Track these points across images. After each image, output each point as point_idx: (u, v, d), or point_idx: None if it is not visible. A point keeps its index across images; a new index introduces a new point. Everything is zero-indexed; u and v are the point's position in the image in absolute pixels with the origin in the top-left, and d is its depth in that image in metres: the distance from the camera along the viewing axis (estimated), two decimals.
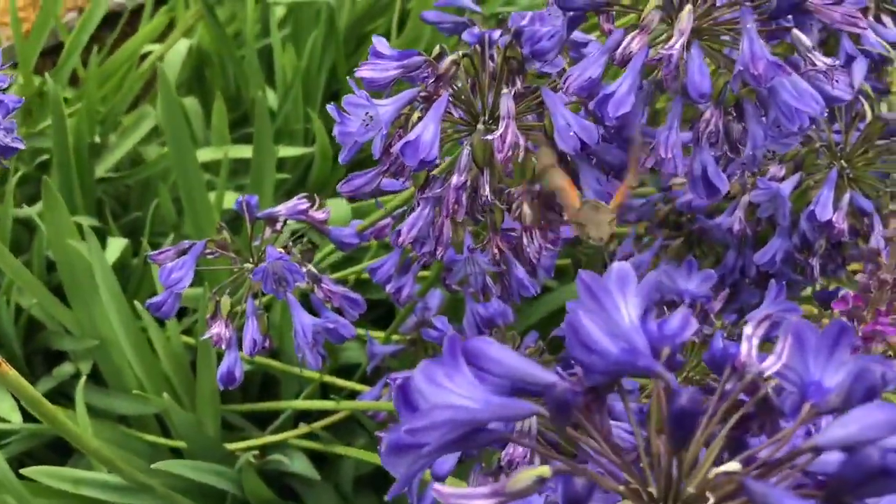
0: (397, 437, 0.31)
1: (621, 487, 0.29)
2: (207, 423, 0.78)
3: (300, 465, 0.74)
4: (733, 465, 0.29)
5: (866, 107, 0.68)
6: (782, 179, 0.65)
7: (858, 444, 0.27)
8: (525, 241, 0.51)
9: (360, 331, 0.87)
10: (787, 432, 0.30)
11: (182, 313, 0.92)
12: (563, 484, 0.26)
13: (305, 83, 1.02)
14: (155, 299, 0.59)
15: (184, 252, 0.58)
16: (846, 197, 0.63)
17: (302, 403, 0.78)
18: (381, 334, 0.83)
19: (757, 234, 0.69)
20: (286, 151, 0.98)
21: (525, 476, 0.28)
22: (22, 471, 0.68)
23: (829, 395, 0.31)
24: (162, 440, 0.81)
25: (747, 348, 0.33)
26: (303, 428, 0.78)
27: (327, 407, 0.76)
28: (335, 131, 0.50)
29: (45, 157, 0.95)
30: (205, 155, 0.97)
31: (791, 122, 0.46)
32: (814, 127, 0.67)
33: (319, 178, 1.00)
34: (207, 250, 0.60)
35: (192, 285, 0.87)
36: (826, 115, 0.68)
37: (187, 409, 0.80)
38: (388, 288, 0.67)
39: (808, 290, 0.75)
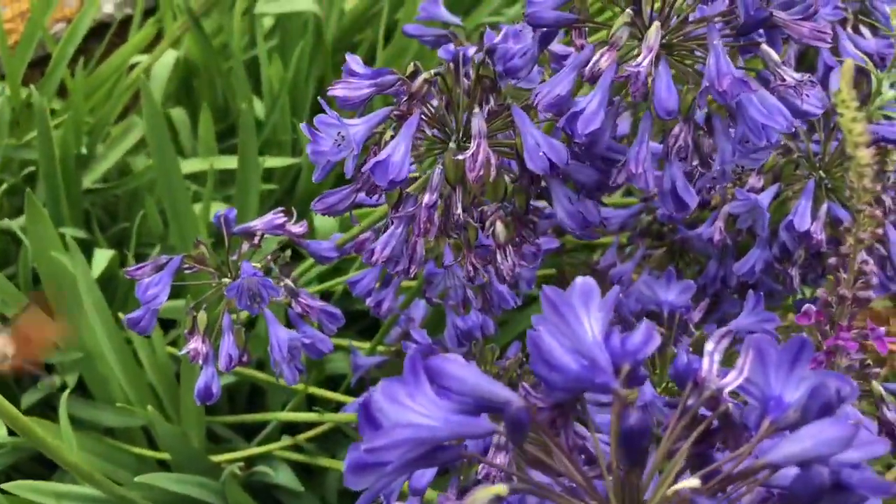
0: (359, 456, 0.31)
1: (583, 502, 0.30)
2: (192, 435, 0.78)
3: (285, 478, 0.75)
4: (693, 482, 0.29)
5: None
6: (761, 190, 0.65)
7: (811, 461, 0.27)
8: (499, 258, 0.51)
9: (345, 342, 0.87)
10: (746, 448, 0.30)
11: (168, 325, 0.93)
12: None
13: (293, 94, 1.02)
14: (133, 315, 0.59)
15: (160, 268, 0.58)
16: (824, 207, 0.63)
17: (286, 415, 0.78)
18: (366, 345, 0.83)
19: (737, 245, 0.70)
20: (273, 162, 0.98)
21: (482, 494, 0.28)
22: (3, 486, 0.68)
23: (788, 410, 0.31)
24: (148, 452, 0.81)
25: (708, 364, 0.33)
26: (287, 440, 0.79)
27: (312, 419, 0.76)
28: (307, 150, 0.50)
29: (32, 168, 0.95)
30: (191, 166, 0.97)
31: (758, 138, 0.47)
32: (792, 138, 0.68)
33: (307, 189, 1.00)
34: (185, 266, 0.60)
35: (177, 297, 0.88)
36: (805, 125, 0.68)
37: (173, 421, 0.81)
38: (369, 301, 0.67)
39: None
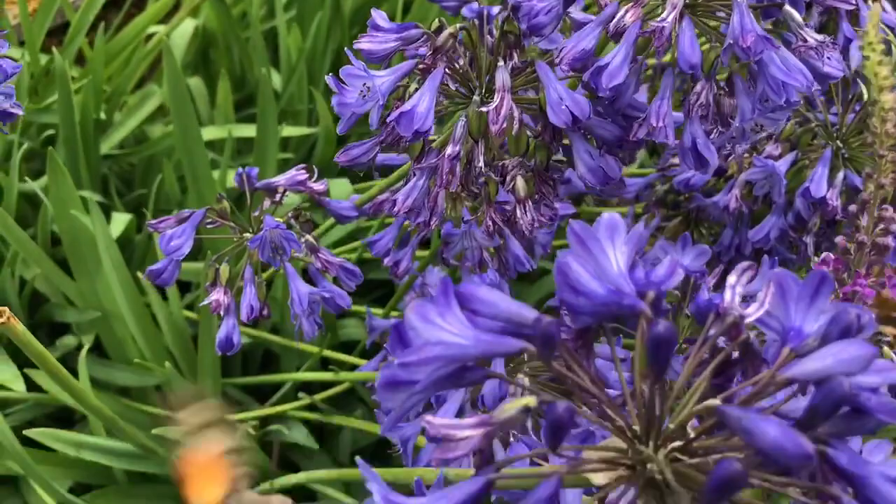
0: (392, 372, 0.32)
1: (606, 423, 0.31)
2: (208, 395, 0.79)
3: (299, 436, 0.76)
4: (714, 402, 0.30)
5: (864, 89, 0.69)
6: (778, 158, 0.65)
7: (832, 377, 0.28)
8: (518, 213, 0.52)
9: (361, 308, 0.88)
10: (767, 374, 0.31)
11: (185, 288, 0.94)
12: (548, 410, 0.27)
13: (310, 64, 1.03)
14: (155, 266, 0.60)
15: (184, 220, 0.59)
16: (840, 175, 0.64)
17: (301, 375, 0.79)
18: (380, 311, 0.84)
19: (753, 213, 0.70)
20: (290, 131, 0.99)
21: (511, 406, 0.29)
22: (25, 432, 0.69)
23: (808, 339, 0.32)
24: (163, 412, 0.82)
25: (730, 295, 0.34)
26: (302, 400, 0.80)
27: (326, 378, 0.77)
28: (333, 102, 0.51)
29: (51, 131, 0.96)
30: (209, 133, 0.98)
31: (778, 96, 0.47)
32: (810, 109, 0.68)
33: (323, 158, 1.01)
34: (207, 219, 0.61)
35: (194, 258, 0.89)
36: (823, 96, 0.69)
37: (189, 381, 0.82)
38: (387, 261, 0.68)
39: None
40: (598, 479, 0.31)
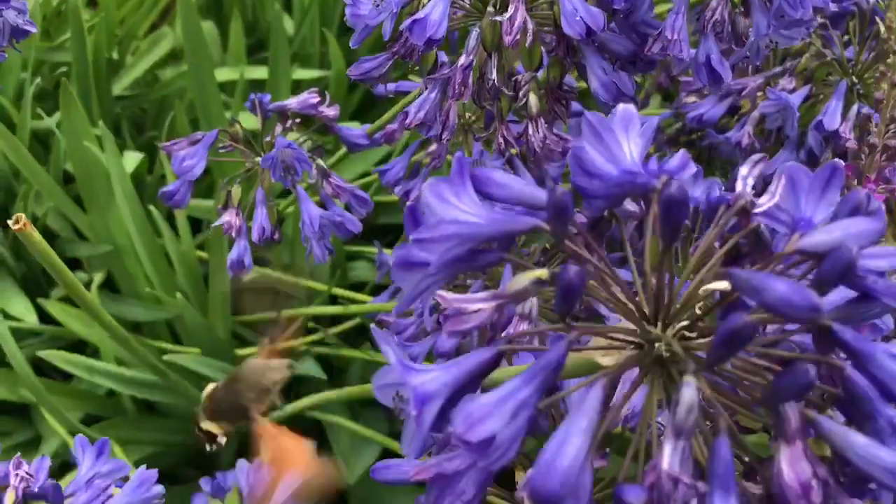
0: (406, 252, 0.32)
1: (615, 304, 0.31)
2: (219, 328, 0.80)
3: (308, 367, 0.76)
4: (722, 284, 0.30)
5: (881, 25, 0.68)
6: (792, 91, 0.65)
7: (839, 247, 0.28)
8: (530, 130, 0.52)
9: (370, 248, 0.88)
10: (776, 257, 0.31)
11: (197, 228, 0.94)
12: (559, 275, 0.27)
13: (322, 7, 1.02)
14: (167, 188, 0.60)
15: (196, 142, 0.59)
16: (854, 109, 0.63)
17: (311, 310, 0.80)
18: (390, 252, 0.84)
19: (765, 150, 0.70)
20: (301, 74, 0.99)
21: (524, 278, 0.29)
22: (39, 353, 0.70)
23: (818, 226, 0.32)
24: (174, 346, 0.83)
25: (742, 185, 0.34)
26: (313, 336, 0.80)
27: (336, 312, 0.77)
28: (347, 13, 0.51)
29: (63, 69, 0.96)
30: (221, 75, 0.98)
31: (794, 10, 0.47)
32: (827, 45, 0.67)
33: (334, 102, 1.01)
34: (220, 144, 0.61)
35: (207, 195, 0.89)
36: (840, 32, 0.68)
37: (199, 317, 0.82)
38: (397, 191, 0.68)
39: None
40: (606, 360, 0.31)
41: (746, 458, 0.31)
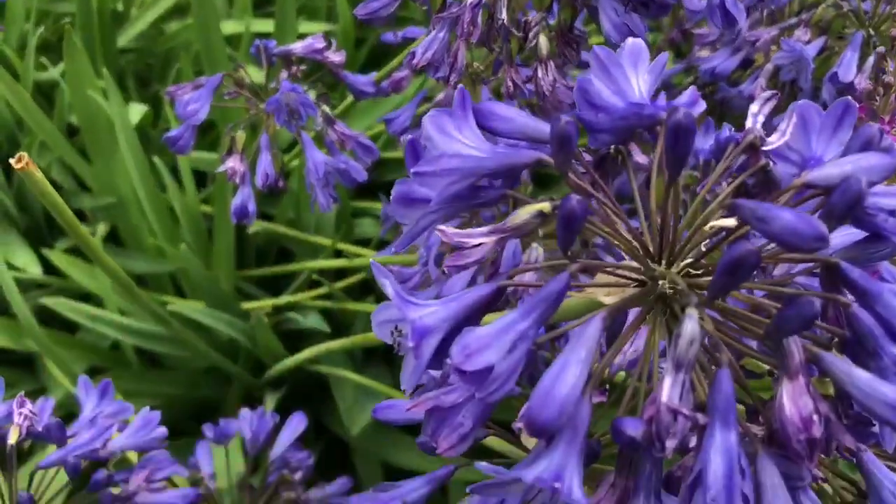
0: (406, 188, 0.32)
1: (620, 242, 0.30)
2: (223, 280, 0.80)
3: (314, 321, 0.76)
4: (729, 221, 0.30)
5: None
6: (807, 43, 0.64)
7: (849, 180, 0.27)
8: (539, 73, 0.51)
9: (375, 204, 0.88)
10: (782, 190, 0.30)
11: (202, 183, 0.94)
12: (561, 205, 0.27)
13: None
14: (172, 133, 0.60)
15: (200, 86, 0.59)
16: (870, 60, 0.62)
17: (316, 263, 0.80)
18: None
19: (778, 103, 0.69)
20: (308, 27, 0.97)
21: (525, 211, 0.29)
22: (43, 300, 0.70)
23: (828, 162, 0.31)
24: (178, 299, 0.83)
25: (752, 122, 0.33)
26: (317, 289, 0.80)
27: (341, 265, 0.77)
28: None
29: (67, 20, 0.95)
30: (227, 28, 0.97)
31: None
32: None
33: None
34: (224, 90, 0.60)
35: (211, 145, 0.88)
36: None
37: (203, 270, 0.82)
38: (403, 140, 0.67)
39: None
40: (608, 299, 0.31)
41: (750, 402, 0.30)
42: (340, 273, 0.84)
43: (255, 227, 0.84)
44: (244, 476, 0.60)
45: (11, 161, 0.47)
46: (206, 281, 0.78)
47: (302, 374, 0.79)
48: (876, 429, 0.31)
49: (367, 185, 0.95)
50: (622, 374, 0.39)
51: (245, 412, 0.61)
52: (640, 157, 0.40)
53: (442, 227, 0.30)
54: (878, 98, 0.44)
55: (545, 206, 0.29)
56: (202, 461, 0.60)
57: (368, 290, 0.84)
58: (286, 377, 0.79)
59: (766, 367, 0.31)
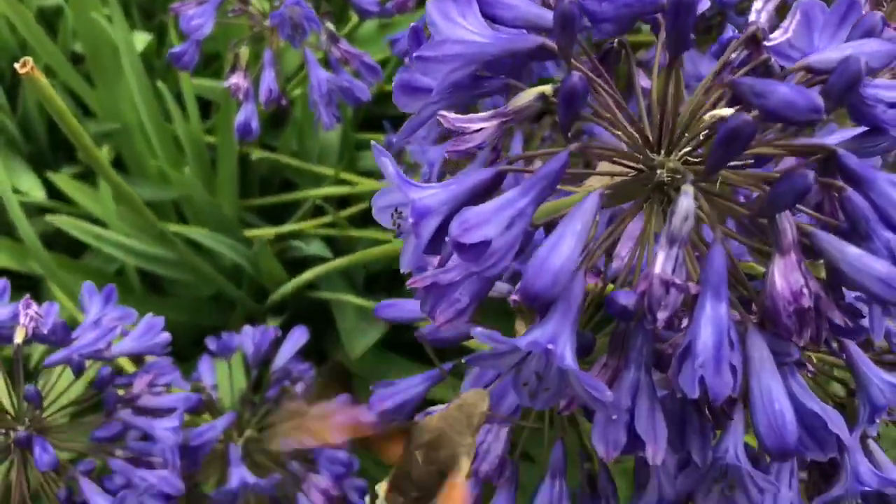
0: (409, 76, 0.32)
1: (620, 132, 0.30)
2: (226, 207, 0.80)
3: (316, 248, 0.77)
4: (727, 110, 0.30)
5: None
6: None
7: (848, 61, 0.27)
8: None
9: (380, 136, 0.88)
10: (781, 73, 0.30)
11: (206, 115, 0.94)
12: (562, 83, 0.27)
13: None
14: (176, 49, 0.59)
15: (205, 1, 0.58)
16: None
17: (318, 191, 0.80)
18: None
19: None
20: None
21: (527, 94, 0.29)
22: (48, 217, 0.70)
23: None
24: (181, 227, 0.83)
25: (755, 16, 0.33)
26: (320, 218, 0.81)
27: (344, 192, 0.77)
28: None
29: None
30: None
31: None
32: None
33: None
34: (229, 7, 0.60)
35: (216, 76, 0.88)
36: None
37: (207, 197, 0.82)
38: (408, 61, 0.67)
39: None
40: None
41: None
42: (343, 203, 0.84)
43: (258, 154, 0.84)
44: (246, 391, 0.61)
45: (16, 66, 0.47)
46: (209, 207, 0.79)
47: (304, 301, 0.80)
48: (866, 322, 0.32)
49: (371, 117, 0.95)
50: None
51: (247, 328, 0.62)
52: (645, 82, 0.40)
53: (442, 112, 0.30)
54: (885, 3, 0.44)
55: (546, 88, 0.29)
56: (204, 375, 0.61)
57: (371, 219, 0.84)
58: (288, 303, 0.80)
59: (762, 270, 0.32)
